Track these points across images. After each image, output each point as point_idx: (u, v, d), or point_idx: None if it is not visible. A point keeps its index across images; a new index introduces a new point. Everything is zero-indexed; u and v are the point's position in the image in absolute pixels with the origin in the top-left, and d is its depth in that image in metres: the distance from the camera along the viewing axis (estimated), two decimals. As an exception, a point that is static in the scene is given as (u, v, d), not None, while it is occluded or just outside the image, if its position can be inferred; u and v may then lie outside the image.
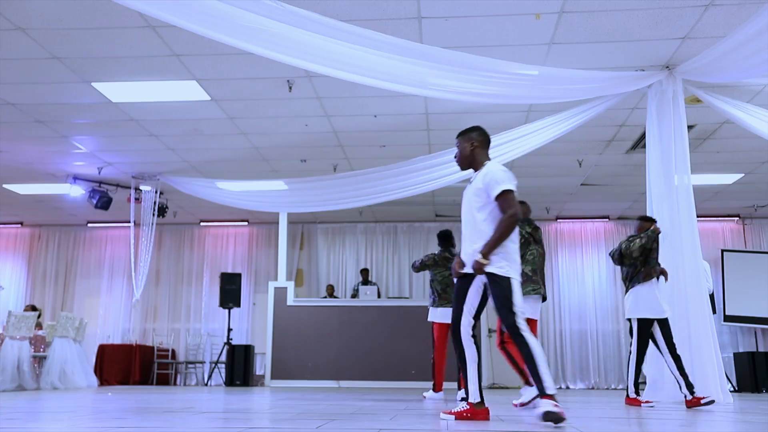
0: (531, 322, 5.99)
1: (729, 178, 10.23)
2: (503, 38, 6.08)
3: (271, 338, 10.94)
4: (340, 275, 13.10)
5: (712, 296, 8.51)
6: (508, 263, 3.76)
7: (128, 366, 11.51)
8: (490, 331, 12.04)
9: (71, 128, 8.41)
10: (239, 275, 11.90)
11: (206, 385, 11.81)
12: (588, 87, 6.34)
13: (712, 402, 5.25)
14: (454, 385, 7.35)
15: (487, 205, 3.93)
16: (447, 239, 7.21)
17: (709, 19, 5.69)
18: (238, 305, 11.87)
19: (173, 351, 12.57)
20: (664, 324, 5.54)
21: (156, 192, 10.39)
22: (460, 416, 3.78)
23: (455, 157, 4.20)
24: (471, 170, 4.14)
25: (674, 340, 5.51)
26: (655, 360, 6.18)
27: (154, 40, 6.12)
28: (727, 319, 11.61)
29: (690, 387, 5.33)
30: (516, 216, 3.92)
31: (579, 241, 12.89)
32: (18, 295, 13.30)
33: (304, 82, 7.01)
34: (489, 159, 4.13)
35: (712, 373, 5.85)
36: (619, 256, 5.65)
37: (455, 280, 4.05)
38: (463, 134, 4.11)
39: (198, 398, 6.71)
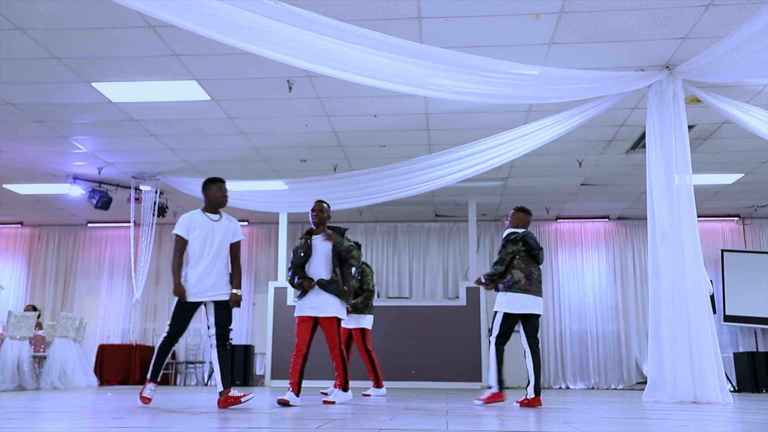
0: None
1: (729, 178, 10.23)
2: (503, 38, 6.08)
3: (271, 338, 10.94)
4: (340, 275, 13.08)
5: (712, 296, 8.52)
6: None
7: (128, 366, 11.51)
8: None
9: (71, 128, 8.41)
10: (239, 275, 11.88)
11: (206, 385, 11.81)
12: (588, 87, 6.34)
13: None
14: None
15: None
16: None
17: (709, 19, 5.69)
18: (238, 305, 11.86)
19: (173, 351, 12.54)
20: (531, 319, 5.71)
21: (156, 192, 10.40)
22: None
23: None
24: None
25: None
26: (655, 360, 6.19)
27: (154, 40, 6.12)
28: (727, 319, 11.61)
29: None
30: None
31: (579, 241, 12.89)
32: (18, 295, 13.30)
33: (304, 82, 7.01)
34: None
35: (712, 374, 5.84)
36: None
37: None
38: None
39: (198, 398, 6.72)
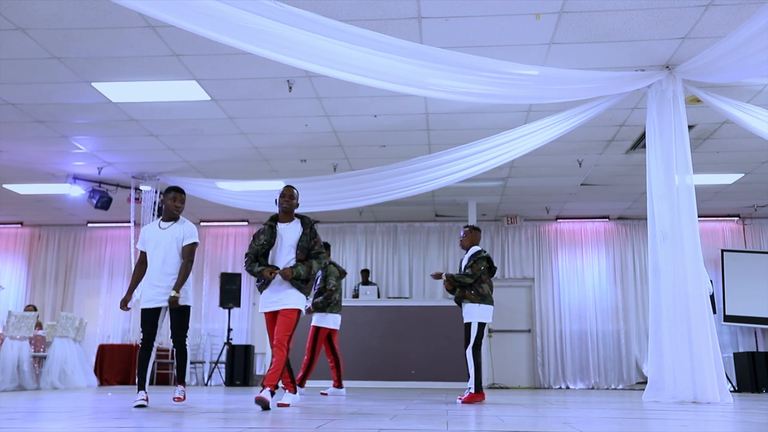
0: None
1: (729, 178, 10.23)
2: (503, 38, 6.08)
3: (270, 338, 10.92)
4: (340, 275, 13.08)
5: (712, 296, 8.51)
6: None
7: (128, 366, 11.51)
8: (490, 331, 12.05)
9: (71, 128, 8.41)
10: (239, 275, 11.91)
11: (206, 385, 11.81)
12: (588, 87, 6.34)
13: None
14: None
15: None
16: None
17: (709, 19, 5.69)
18: (238, 305, 11.87)
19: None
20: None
21: (156, 192, 10.39)
22: None
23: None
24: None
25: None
26: (656, 360, 6.19)
27: (154, 40, 6.12)
28: (727, 319, 11.61)
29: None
30: None
31: (579, 241, 12.89)
32: (18, 295, 13.30)
33: (304, 82, 7.01)
34: None
35: (712, 374, 5.84)
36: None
37: None
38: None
39: (198, 398, 6.72)
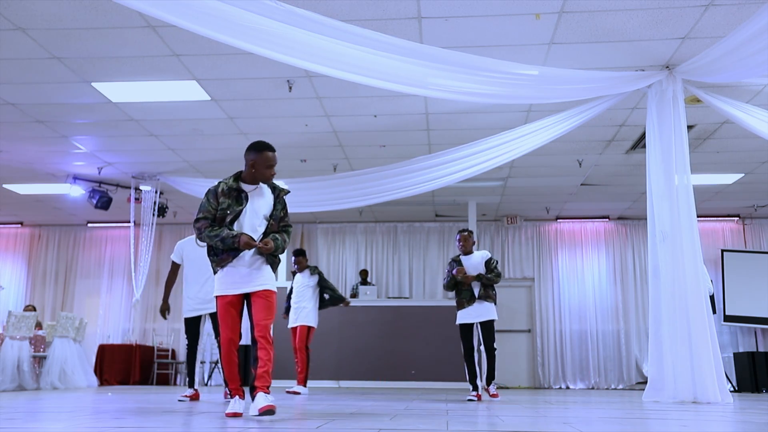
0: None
1: (729, 178, 10.23)
2: (503, 38, 6.07)
3: (270, 338, 10.92)
4: (340, 275, 13.09)
5: (712, 297, 8.52)
6: None
7: (128, 366, 11.52)
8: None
9: (71, 128, 8.41)
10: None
11: (206, 385, 11.81)
12: (588, 87, 6.34)
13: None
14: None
15: None
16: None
17: (709, 19, 5.69)
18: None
19: (173, 351, 12.57)
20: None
21: (156, 192, 10.39)
22: None
23: None
24: None
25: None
26: (655, 360, 6.19)
27: (154, 40, 6.12)
28: (727, 319, 11.61)
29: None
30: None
31: (579, 241, 12.89)
32: (18, 295, 13.29)
33: (304, 82, 7.01)
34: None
35: (712, 374, 5.84)
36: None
37: None
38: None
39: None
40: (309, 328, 8.07)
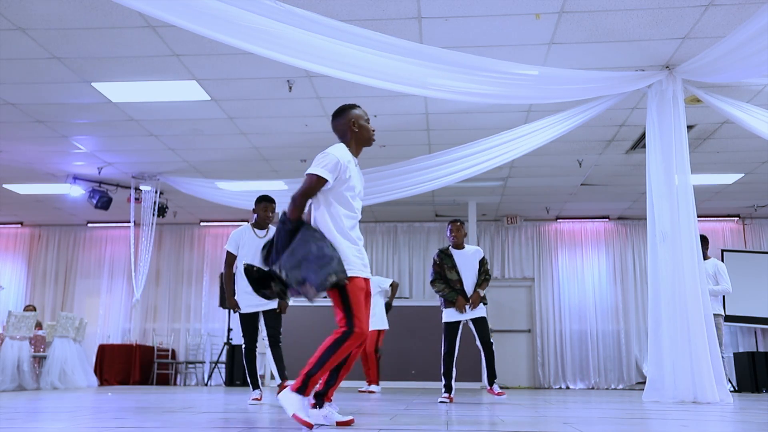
0: None
1: (729, 178, 10.23)
2: (503, 38, 6.08)
3: (271, 338, 10.92)
4: (340, 275, 13.07)
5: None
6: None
7: (128, 366, 11.52)
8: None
9: (71, 128, 8.41)
10: (239, 275, 11.89)
11: (206, 385, 11.82)
12: (588, 87, 6.34)
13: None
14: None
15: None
16: None
17: (709, 19, 5.69)
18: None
19: (173, 351, 12.57)
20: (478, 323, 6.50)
21: (156, 192, 10.39)
22: None
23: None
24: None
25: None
26: (655, 360, 6.19)
27: (154, 40, 6.12)
28: (727, 319, 11.57)
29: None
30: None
31: (579, 241, 12.89)
32: (18, 295, 13.30)
33: (304, 82, 7.01)
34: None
35: (710, 373, 5.83)
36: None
37: None
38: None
39: (198, 398, 6.72)
40: (380, 331, 8.32)
